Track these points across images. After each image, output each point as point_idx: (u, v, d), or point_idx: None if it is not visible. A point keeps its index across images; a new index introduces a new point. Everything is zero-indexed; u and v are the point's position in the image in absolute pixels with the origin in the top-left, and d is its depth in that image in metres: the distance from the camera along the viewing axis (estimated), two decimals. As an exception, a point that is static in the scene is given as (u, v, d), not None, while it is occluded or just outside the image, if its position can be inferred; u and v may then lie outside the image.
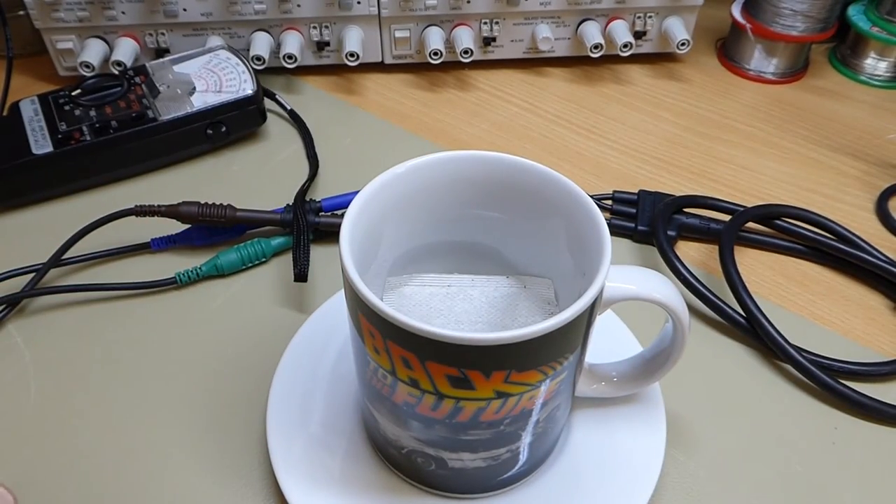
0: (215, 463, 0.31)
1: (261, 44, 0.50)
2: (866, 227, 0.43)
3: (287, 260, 0.40)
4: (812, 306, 0.38)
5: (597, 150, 0.48)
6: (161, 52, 0.51)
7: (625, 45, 0.51)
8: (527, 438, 0.26)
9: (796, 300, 0.38)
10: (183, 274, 0.38)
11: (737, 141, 0.49)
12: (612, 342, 0.33)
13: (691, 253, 0.41)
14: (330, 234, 0.40)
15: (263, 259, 0.39)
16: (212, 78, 0.46)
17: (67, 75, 0.52)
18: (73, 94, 0.45)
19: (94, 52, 0.49)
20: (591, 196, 0.27)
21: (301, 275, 0.37)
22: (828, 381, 0.33)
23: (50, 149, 0.42)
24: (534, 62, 0.55)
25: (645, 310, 0.36)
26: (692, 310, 0.37)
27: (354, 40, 0.50)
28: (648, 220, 0.41)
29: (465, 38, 0.51)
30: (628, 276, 0.26)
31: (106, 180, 0.44)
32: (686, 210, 0.41)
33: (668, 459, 0.29)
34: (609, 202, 0.43)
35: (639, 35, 0.54)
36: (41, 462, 0.31)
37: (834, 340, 0.36)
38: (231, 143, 0.47)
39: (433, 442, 0.26)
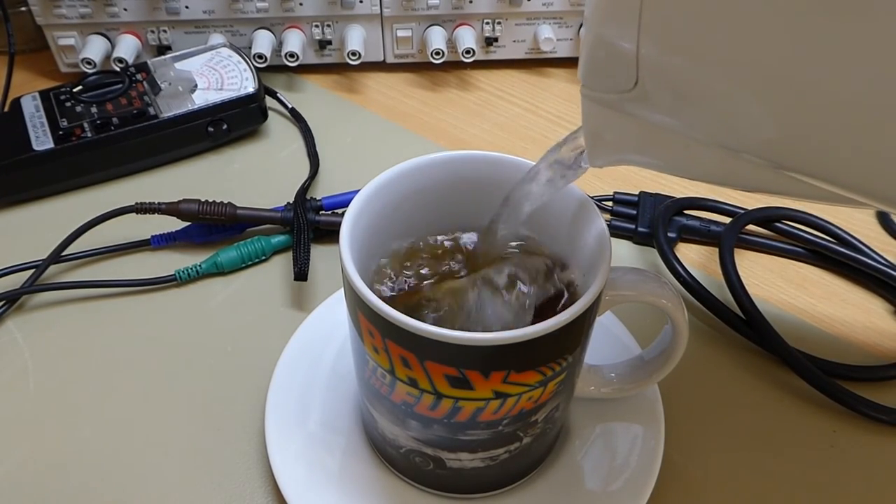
0: (214, 461, 0.31)
1: (263, 42, 0.50)
2: (866, 231, 0.42)
3: (287, 258, 0.40)
4: (812, 309, 0.38)
5: (598, 151, 0.48)
6: (163, 50, 0.51)
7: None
8: (525, 439, 0.26)
9: (796, 303, 0.38)
10: (183, 271, 0.38)
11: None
12: (611, 343, 0.33)
13: (691, 255, 0.41)
14: (330, 233, 0.40)
15: (263, 257, 0.39)
16: (213, 76, 0.46)
17: (69, 72, 0.52)
18: (75, 90, 0.44)
19: (95, 48, 0.49)
20: (592, 197, 0.27)
21: (301, 273, 0.37)
22: (827, 383, 0.33)
23: (51, 145, 0.42)
24: (536, 62, 0.55)
25: (645, 311, 0.36)
26: (692, 311, 0.37)
27: (356, 39, 0.50)
28: (649, 222, 0.41)
29: (467, 37, 0.51)
30: (628, 277, 0.26)
31: (106, 177, 0.44)
32: (686, 212, 0.41)
33: (666, 460, 0.29)
34: (609, 203, 0.43)
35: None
36: (40, 458, 0.31)
37: (833, 343, 0.36)
38: (232, 141, 0.47)
39: (431, 441, 0.26)
